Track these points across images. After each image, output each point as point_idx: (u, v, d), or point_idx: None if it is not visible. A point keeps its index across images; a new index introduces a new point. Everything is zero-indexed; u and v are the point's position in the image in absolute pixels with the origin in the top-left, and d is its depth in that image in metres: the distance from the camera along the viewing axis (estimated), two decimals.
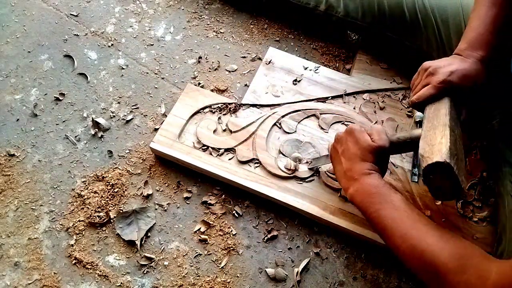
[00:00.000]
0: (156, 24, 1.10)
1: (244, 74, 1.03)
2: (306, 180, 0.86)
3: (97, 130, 0.92)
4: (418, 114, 0.78)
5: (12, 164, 0.88)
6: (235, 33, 1.10)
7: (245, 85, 1.01)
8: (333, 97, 0.97)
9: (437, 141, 0.64)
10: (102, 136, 0.92)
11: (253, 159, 0.87)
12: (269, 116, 0.92)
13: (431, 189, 0.67)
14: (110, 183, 0.86)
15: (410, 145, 0.71)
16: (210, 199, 0.86)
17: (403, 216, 0.61)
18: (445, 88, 0.70)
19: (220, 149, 0.87)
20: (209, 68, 1.03)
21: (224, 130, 0.91)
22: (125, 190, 0.86)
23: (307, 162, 0.87)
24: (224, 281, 0.79)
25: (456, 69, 0.70)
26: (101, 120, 0.93)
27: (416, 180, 0.78)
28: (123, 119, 0.95)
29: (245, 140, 0.89)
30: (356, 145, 0.69)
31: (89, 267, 0.78)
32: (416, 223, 0.60)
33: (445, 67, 0.71)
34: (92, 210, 0.83)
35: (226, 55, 1.06)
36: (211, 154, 0.87)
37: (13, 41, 1.03)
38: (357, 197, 0.67)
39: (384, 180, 0.68)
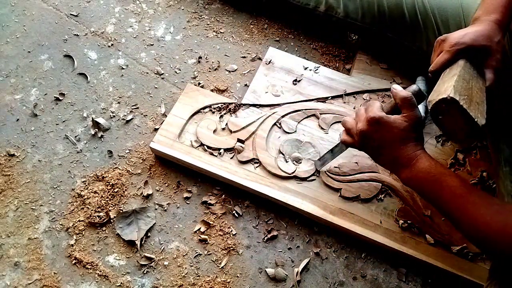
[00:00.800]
0: (156, 24, 1.10)
1: (244, 74, 1.03)
2: (306, 180, 0.86)
3: (97, 130, 0.92)
4: (413, 87, 0.72)
5: (12, 164, 0.88)
6: (235, 33, 1.10)
7: (245, 85, 1.01)
8: (333, 97, 0.97)
9: (444, 87, 0.63)
10: (102, 136, 0.92)
11: (253, 159, 0.87)
12: (269, 116, 0.92)
13: (446, 132, 0.66)
14: (110, 183, 0.86)
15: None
16: (210, 199, 0.86)
17: (465, 203, 0.62)
18: (459, 49, 0.68)
19: (220, 149, 0.88)
20: (209, 68, 1.03)
21: (223, 129, 0.91)
22: (125, 190, 0.86)
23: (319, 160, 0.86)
24: (224, 281, 0.79)
25: (468, 31, 0.69)
26: (101, 120, 0.93)
27: None
28: (123, 119, 0.95)
29: (245, 140, 0.89)
30: (390, 132, 0.67)
31: (89, 267, 0.79)
32: (479, 208, 0.60)
33: (458, 32, 0.71)
34: (92, 210, 0.83)
35: (226, 55, 1.06)
36: (211, 154, 0.87)
37: (13, 41, 1.03)
38: (412, 184, 0.68)
39: (431, 158, 0.66)
